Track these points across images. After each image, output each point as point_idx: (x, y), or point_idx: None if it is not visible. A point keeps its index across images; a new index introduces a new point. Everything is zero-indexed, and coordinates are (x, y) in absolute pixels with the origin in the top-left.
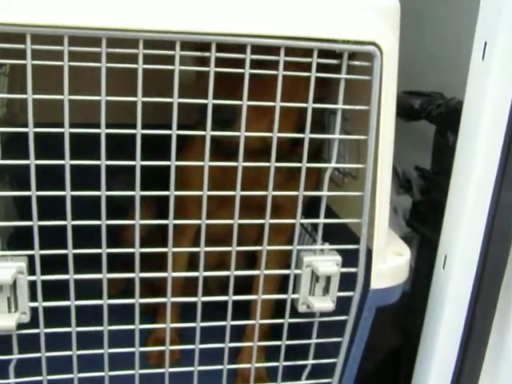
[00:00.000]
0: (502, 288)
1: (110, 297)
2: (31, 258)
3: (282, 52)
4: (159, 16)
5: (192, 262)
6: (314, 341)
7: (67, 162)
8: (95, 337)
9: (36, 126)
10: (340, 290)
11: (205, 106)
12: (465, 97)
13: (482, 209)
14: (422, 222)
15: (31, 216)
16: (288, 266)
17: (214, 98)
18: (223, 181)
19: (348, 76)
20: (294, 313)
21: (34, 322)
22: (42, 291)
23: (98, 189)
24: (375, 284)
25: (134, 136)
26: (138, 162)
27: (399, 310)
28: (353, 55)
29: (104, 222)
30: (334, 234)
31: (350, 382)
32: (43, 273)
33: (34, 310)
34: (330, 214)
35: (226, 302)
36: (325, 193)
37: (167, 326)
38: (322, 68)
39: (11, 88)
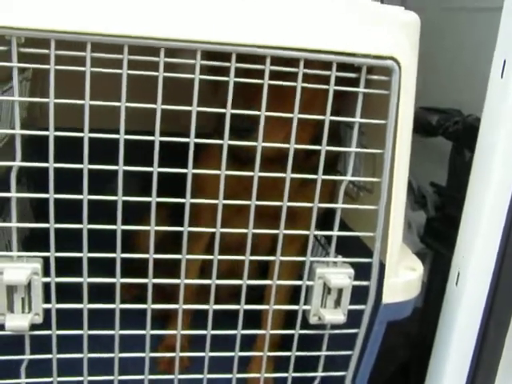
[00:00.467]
0: None
1: (123, 302)
2: (46, 260)
3: (302, 64)
4: (181, 25)
5: (204, 270)
6: (323, 353)
7: (85, 166)
8: (105, 341)
9: (56, 130)
10: (351, 303)
11: (223, 115)
12: (482, 114)
13: (496, 226)
14: (436, 238)
15: (47, 218)
16: (300, 277)
17: (232, 107)
18: (238, 189)
19: (366, 90)
20: (305, 324)
21: (45, 324)
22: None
23: (112, 193)
24: (387, 298)
25: (145, 143)
26: (156, 169)
27: (411, 324)
28: (371, 69)
29: (119, 227)
30: (348, 247)
31: None
32: (56, 276)
33: (46, 312)
34: (343, 227)
35: (237, 311)
36: (339, 205)
37: (178, 332)
38: (339, 81)
39: (32, 92)
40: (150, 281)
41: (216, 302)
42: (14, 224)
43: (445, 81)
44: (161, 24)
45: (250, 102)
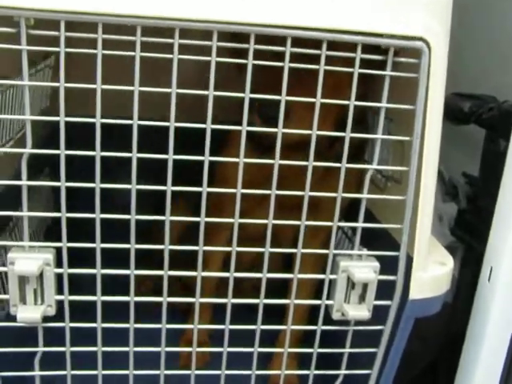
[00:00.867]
0: None
1: (139, 295)
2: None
3: (324, 46)
4: (196, 4)
5: (228, 263)
6: (347, 350)
7: (98, 153)
8: (120, 335)
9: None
10: (377, 298)
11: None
12: None
13: None
14: (468, 232)
15: (70, 209)
16: (324, 271)
17: (258, 92)
18: (260, 180)
19: (393, 73)
20: (328, 320)
21: (58, 317)
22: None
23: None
24: (414, 294)
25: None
26: (171, 156)
27: (440, 321)
28: (398, 51)
29: (133, 217)
30: (374, 240)
31: None
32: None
33: (60, 305)
34: (370, 218)
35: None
36: (364, 195)
37: (194, 327)
38: (365, 64)
39: (53, 81)
40: (166, 272)
41: (239, 296)
42: (24, 213)
43: (478, 65)
44: (175, 4)
45: (275, 88)
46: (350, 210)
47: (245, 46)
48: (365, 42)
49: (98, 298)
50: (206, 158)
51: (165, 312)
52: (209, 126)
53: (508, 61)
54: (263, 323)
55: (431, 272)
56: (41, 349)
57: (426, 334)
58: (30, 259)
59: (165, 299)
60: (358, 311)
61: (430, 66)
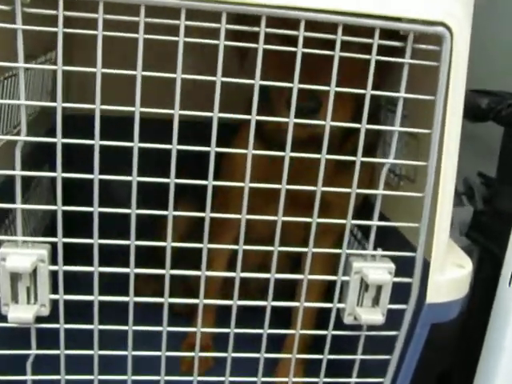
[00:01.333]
0: None
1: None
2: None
3: (340, 30)
4: None
5: (232, 266)
6: (359, 357)
7: (96, 142)
8: (119, 337)
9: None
10: (391, 302)
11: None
12: None
13: None
14: (484, 234)
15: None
16: (335, 272)
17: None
18: (268, 177)
19: (413, 61)
20: (339, 324)
21: (52, 317)
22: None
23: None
24: (431, 298)
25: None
26: (175, 146)
27: (453, 326)
28: (417, 38)
29: (134, 212)
30: (385, 241)
31: None
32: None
33: (55, 305)
34: (382, 219)
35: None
36: (380, 191)
37: (197, 330)
38: (381, 52)
39: (54, 78)
40: (168, 272)
41: (246, 298)
42: (18, 206)
43: (496, 60)
44: None
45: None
46: (360, 212)
47: (255, 29)
48: (383, 27)
49: (96, 297)
50: (212, 149)
51: (166, 314)
52: (216, 115)
53: None
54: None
55: (449, 275)
56: (33, 351)
57: (438, 340)
58: (23, 255)
59: (166, 300)
60: (372, 315)
61: (451, 54)
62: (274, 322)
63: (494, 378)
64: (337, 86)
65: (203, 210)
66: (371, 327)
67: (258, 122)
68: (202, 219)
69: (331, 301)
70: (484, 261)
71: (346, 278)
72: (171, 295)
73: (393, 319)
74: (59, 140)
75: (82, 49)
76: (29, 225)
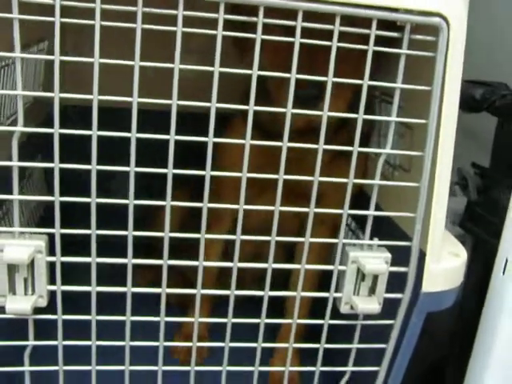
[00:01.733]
0: None
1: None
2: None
3: (338, 20)
4: None
5: (227, 254)
6: (355, 346)
7: (94, 132)
8: (117, 328)
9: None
10: (387, 291)
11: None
12: None
13: None
14: (478, 223)
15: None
16: (328, 262)
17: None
18: (264, 166)
19: (410, 52)
20: (334, 313)
21: (49, 308)
22: (62, 276)
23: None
24: (427, 287)
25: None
26: (172, 137)
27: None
28: (413, 28)
29: (132, 202)
30: (380, 231)
31: None
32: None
33: (52, 297)
34: (377, 209)
35: (261, 298)
36: (377, 181)
37: (195, 320)
38: (378, 42)
39: (49, 69)
40: (165, 262)
41: (240, 288)
42: (14, 196)
43: (490, 52)
44: None
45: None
46: (354, 202)
47: (253, 19)
48: (380, 17)
49: (93, 288)
50: (210, 140)
51: (163, 304)
52: (213, 105)
53: None
54: (260, 316)
55: (445, 264)
56: (31, 342)
57: (432, 329)
58: (20, 246)
59: (163, 290)
60: (368, 304)
61: (448, 45)
62: (266, 311)
63: (487, 365)
64: (335, 75)
65: (194, 200)
66: (367, 316)
67: (254, 113)
68: (195, 210)
69: (325, 290)
70: (477, 250)
71: (342, 268)
72: (168, 285)
73: (388, 308)
74: (56, 130)
75: (73, 36)
76: (24, 216)
